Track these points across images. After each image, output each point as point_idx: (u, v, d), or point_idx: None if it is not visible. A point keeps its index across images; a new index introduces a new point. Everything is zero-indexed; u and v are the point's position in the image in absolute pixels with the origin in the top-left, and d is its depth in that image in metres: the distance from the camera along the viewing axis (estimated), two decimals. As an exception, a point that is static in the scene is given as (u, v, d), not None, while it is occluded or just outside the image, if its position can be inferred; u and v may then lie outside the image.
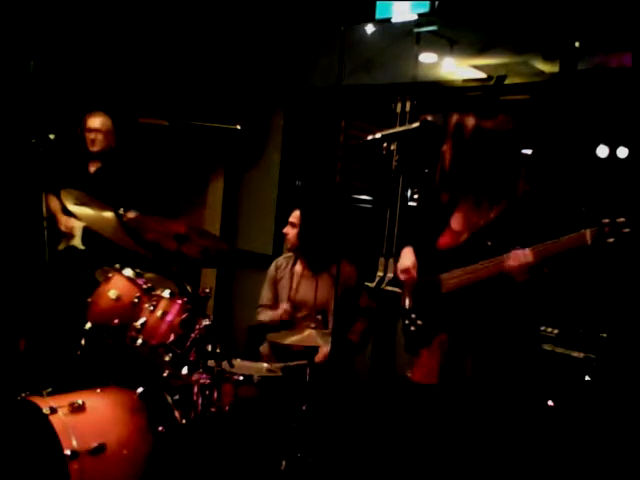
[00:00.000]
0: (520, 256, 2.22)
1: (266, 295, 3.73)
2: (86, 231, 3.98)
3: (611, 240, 2.11)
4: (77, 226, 4.02)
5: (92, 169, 4.17)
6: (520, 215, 2.38)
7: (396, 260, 2.69)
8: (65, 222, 4.02)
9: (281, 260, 3.77)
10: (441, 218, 2.57)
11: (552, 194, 3.47)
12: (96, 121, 4.12)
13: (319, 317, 3.43)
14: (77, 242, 4.04)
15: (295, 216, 3.66)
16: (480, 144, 2.36)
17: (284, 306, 3.59)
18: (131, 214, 4.06)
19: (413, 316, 2.55)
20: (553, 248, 2.20)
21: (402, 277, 2.59)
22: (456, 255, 2.44)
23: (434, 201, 2.62)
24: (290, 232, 3.66)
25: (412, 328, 2.55)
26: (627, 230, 2.09)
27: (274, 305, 3.70)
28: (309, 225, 3.59)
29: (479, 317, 2.37)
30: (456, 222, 2.53)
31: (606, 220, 2.12)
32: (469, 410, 2.37)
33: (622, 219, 2.10)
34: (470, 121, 2.39)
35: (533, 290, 2.31)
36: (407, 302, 2.59)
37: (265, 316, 3.67)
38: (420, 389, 2.52)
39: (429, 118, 2.44)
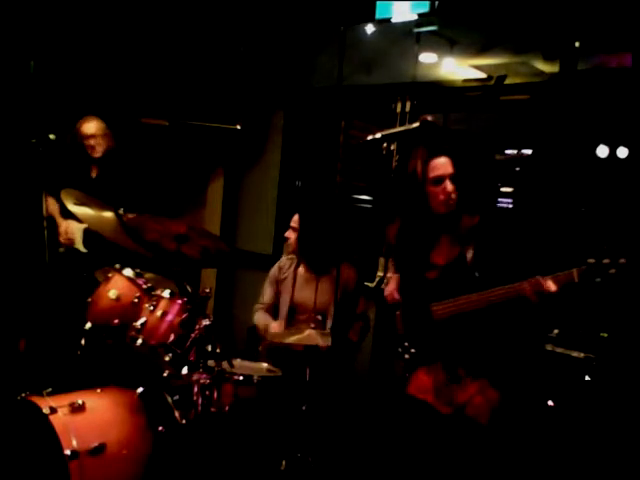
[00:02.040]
0: (544, 285, 2.27)
1: (267, 294, 3.73)
2: (87, 233, 3.97)
3: (598, 280, 2.20)
4: (77, 229, 4.01)
5: (94, 174, 4.15)
6: (494, 239, 2.45)
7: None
8: (65, 231, 4.00)
9: (284, 261, 3.77)
10: (421, 254, 2.62)
11: (552, 194, 3.47)
12: (91, 127, 4.05)
13: (319, 317, 3.43)
14: (79, 245, 4.03)
15: (295, 220, 3.68)
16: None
17: (279, 325, 3.58)
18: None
19: (406, 344, 2.58)
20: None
21: (389, 300, 2.68)
22: (442, 285, 2.49)
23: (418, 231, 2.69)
24: (291, 236, 3.68)
25: (406, 356, 2.58)
26: (613, 271, 2.17)
27: (274, 304, 3.70)
28: (308, 229, 3.60)
29: (474, 344, 2.40)
30: (436, 256, 2.59)
31: (592, 260, 2.20)
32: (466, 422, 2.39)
33: (607, 260, 2.19)
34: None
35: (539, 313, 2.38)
36: (400, 329, 2.64)
37: (260, 320, 3.67)
38: (415, 403, 2.54)
39: (429, 118, 2.45)
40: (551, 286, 2.28)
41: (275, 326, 3.57)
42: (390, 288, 2.71)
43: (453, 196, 2.49)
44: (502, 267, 2.39)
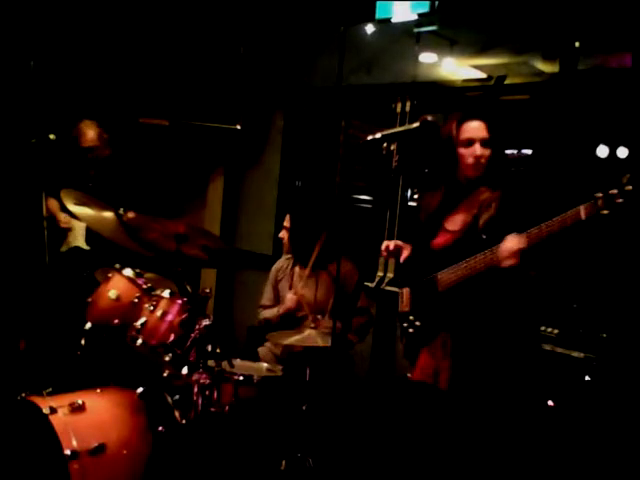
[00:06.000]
0: (513, 241, 2.24)
1: (267, 295, 3.74)
2: (89, 230, 3.97)
3: (605, 212, 2.11)
4: (80, 226, 4.01)
5: (91, 172, 4.17)
6: (511, 206, 2.40)
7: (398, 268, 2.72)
8: (64, 219, 4.02)
9: (282, 262, 3.78)
10: (434, 219, 2.57)
11: (552, 194, 3.47)
12: (89, 139, 4.10)
13: (319, 317, 3.43)
14: (81, 242, 4.03)
15: (288, 220, 3.69)
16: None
17: (289, 295, 3.58)
18: (131, 214, 4.08)
19: (411, 318, 2.56)
20: (547, 229, 2.22)
21: (391, 246, 2.60)
22: (451, 253, 2.45)
23: (427, 203, 2.64)
24: (285, 236, 3.71)
25: (410, 330, 2.56)
26: (620, 200, 2.09)
27: (274, 305, 3.70)
28: (298, 228, 3.62)
29: (478, 313, 2.38)
30: (450, 223, 2.54)
31: (599, 194, 2.12)
32: (471, 410, 2.37)
33: (615, 190, 2.10)
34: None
35: (525, 283, 2.33)
36: (404, 305, 2.60)
37: (269, 313, 3.66)
38: (420, 387, 2.52)
39: (429, 118, 2.44)
40: (522, 242, 2.22)
41: (290, 295, 3.57)
42: (396, 242, 2.63)
43: (482, 160, 2.45)
44: (511, 227, 2.33)
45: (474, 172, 2.48)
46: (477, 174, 2.48)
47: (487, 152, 2.46)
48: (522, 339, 2.47)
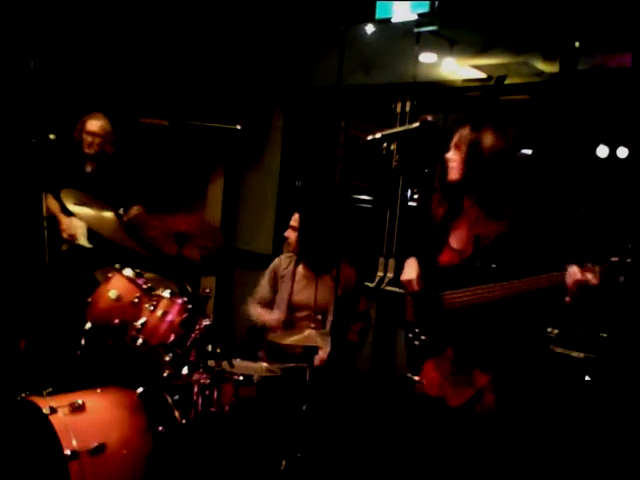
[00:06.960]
0: (585, 275, 2.18)
1: (264, 289, 3.71)
2: (90, 229, 3.96)
3: (621, 279, 2.11)
4: (80, 226, 4.00)
5: (88, 169, 4.15)
6: (521, 236, 2.37)
7: (398, 268, 2.69)
8: (67, 227, 4.00)
9: (284, 259, 3.76)
10: (439, 234, 2.56)
11: (552, 195, 3.47)
12: (95, 124, 4.07)
13: (319, 317, 3.43)
14: (83, 242, 4.02)
15: (296, 219, 3.69)
16: (493, 163, 2.38)
17: (277, 315, 3.58)
18: (135, 209, 4.07)
19: (417, 330, 2.55)
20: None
21: (408, 288, 2.59)
22: (458, 273, 2.44)
23: (431, 215, 2.63)
24: (291, 235, 3.69)
25: (416, 342, 2.55)
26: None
27: (269, 303, 3.69)
28: (308, 228, 3.61)
29: (486, 334, 2.37)
30: (454, 239, 2.53)
31: (615, 258, 2.12)
32: (474, 419, 2.37)
33: (630, 259, 2.10)
34: (487, 140, 2.39)
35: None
36: (410, 315, 2.59)
37: (256, 314, 3.66)
38: (425, 400, 2.51)
39: (429, 118, 2.44)
40: (592, 278, 2.14)
41: (277, 315, 3.56)
42: (410, 275, 2.58)
43: (450, 164, 2.44)
44: (519, 261, 2.32)
45: (448, 177, 2.47)
46: (451, 179, 2.46)
47: (455, 156, 2.44)
48: (533, 352, 2.47)
